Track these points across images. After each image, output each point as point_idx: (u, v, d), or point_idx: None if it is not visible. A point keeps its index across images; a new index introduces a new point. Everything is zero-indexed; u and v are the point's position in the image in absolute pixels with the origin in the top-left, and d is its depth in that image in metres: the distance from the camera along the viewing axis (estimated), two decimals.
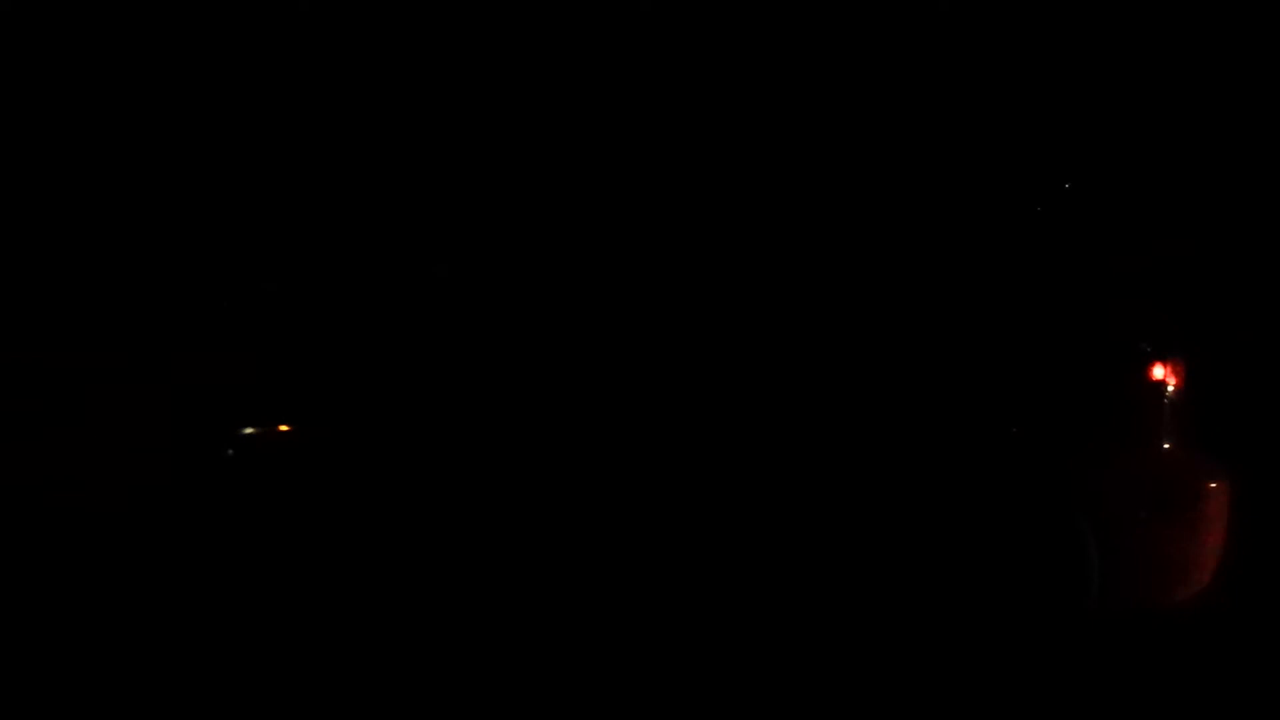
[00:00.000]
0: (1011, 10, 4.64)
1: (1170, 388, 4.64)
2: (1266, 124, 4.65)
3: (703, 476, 4.66)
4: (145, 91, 4.73)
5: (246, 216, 4.78)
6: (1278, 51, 4.61)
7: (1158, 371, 4.64)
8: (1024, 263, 4.73)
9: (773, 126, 4.78)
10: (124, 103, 4.75)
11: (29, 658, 4.50)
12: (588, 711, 4.59)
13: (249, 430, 4.68)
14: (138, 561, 4.59)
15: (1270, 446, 4.66)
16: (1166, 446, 4.66)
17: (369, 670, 4.62)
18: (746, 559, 4.65)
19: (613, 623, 4.64)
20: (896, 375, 4.66)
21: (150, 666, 4.55)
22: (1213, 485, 4.66)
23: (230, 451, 4.67)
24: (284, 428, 4.71)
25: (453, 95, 4.78)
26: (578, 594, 4.63)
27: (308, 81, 4.78)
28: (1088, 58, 4.64)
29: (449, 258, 4.69)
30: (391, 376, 4.69)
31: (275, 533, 4.68)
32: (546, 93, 4.74)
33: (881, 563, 4.67)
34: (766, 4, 4.78)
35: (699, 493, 4.66)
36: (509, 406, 4.69)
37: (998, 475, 4.67)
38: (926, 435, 4.67)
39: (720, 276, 4.75)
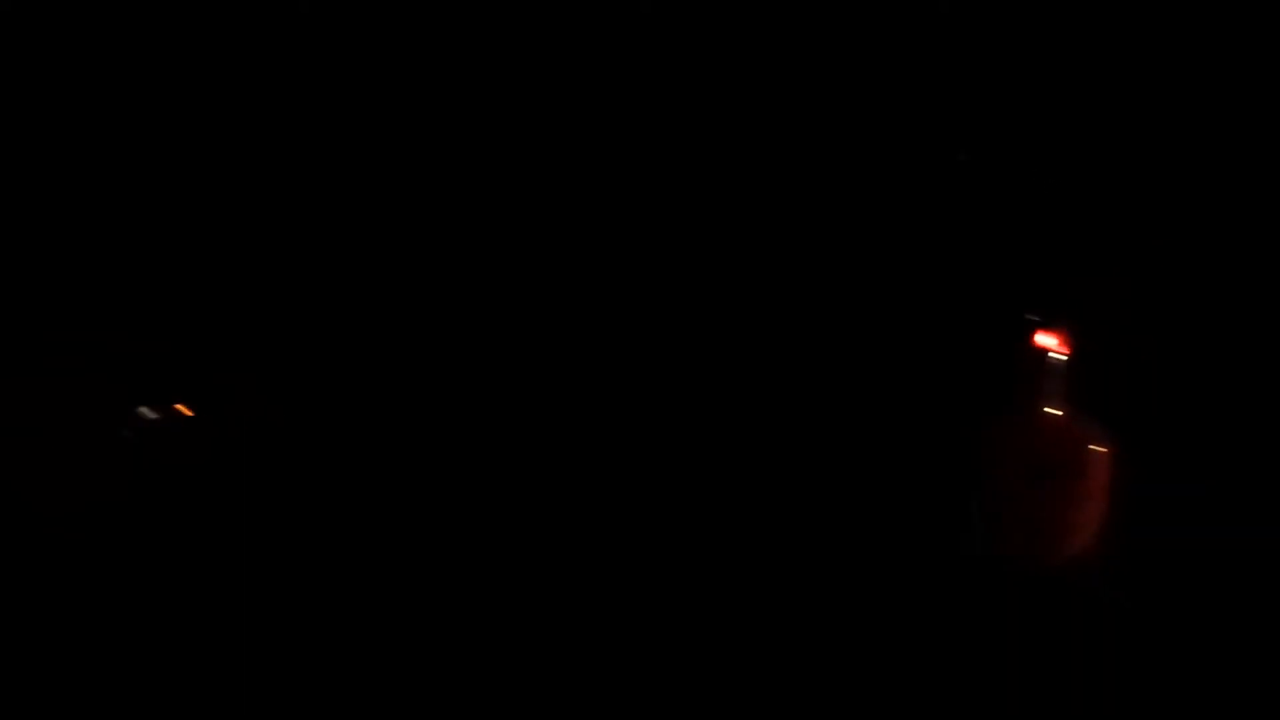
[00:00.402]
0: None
1: (1055, 355, 4.75)
2: (1150, 98, 4.77)
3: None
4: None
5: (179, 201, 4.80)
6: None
7: (1042, 339, 4.74)
8: (909, 232, 4.82)
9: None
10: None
11: None
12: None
13: (146, 411, 4.69)
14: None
15: (1149, 414, 4.78)
16: (1050, 412, 4.77)
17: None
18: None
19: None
20: (783, 347, 4.76)
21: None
22: (1095, 450, 4.77)
23: (127, 434, 4.67)
24: (183, 409, 4.72)
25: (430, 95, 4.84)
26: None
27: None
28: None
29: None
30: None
31: (174, 516, 4.69)
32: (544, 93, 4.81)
33: (771, 532, 4.77)
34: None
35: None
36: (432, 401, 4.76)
37: (884, 442, 4.77)
38: (814, 405, 4.77)
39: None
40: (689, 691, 4.66)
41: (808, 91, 4.80)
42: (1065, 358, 4.74)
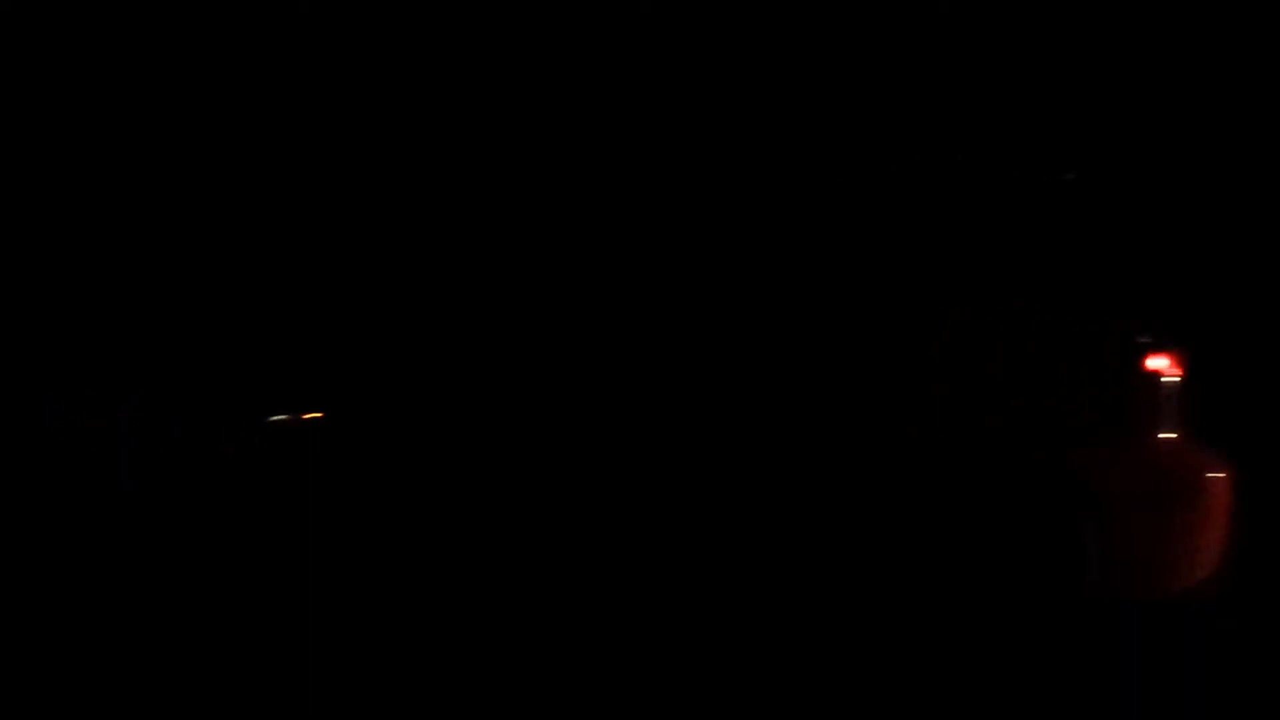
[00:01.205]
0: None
1: (1169, 378, 4.67)
2: (1257, 113, 4.71)
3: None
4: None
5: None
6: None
7: (1156, 362, 4.67)
8: (1017, 258, 4.82)
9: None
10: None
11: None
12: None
13: (278, 417, 4.88)
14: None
15: (1271, 436, 4.64)
16: (1165, 437, 4.68)
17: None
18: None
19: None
20: (902, 374, 4.79)
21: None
22: (1212, 476, 4.65)
23: (259, 439, 4.86)
24: (312, 415, 4.90)
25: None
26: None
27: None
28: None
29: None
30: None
31: (304, 519, 4.84)
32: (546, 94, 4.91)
33: (887, 558, 4.74)
34: None
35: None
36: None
37: (998, 469, 4.73)
38: (927, 430, 4.77)
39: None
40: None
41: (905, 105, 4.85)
42: (1178, 380, 4.66)
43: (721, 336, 4.89)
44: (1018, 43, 4.75)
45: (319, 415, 4.93)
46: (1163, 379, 4.68)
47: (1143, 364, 4.68)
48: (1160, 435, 4.68)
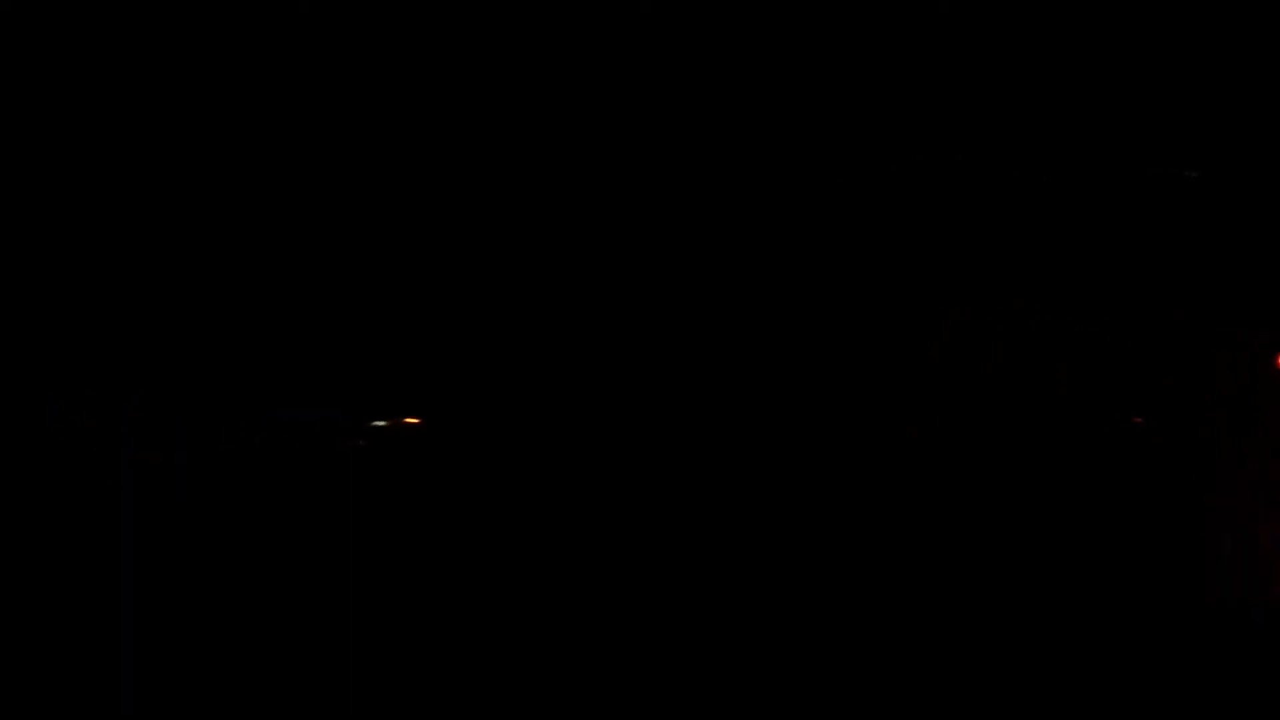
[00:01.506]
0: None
1: None
2: None
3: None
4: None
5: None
6: None
7: None
8: (1135, 258, 4.82)
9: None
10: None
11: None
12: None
13: (379, 423, 4.66)
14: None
15: None
16: None
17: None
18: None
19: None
20: (1022, 373, 4.73)
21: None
22: None
23: (361, 443, 4.64)
24: (412, 420, 4.69)
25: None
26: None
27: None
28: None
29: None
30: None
31: (405, 525, 4.63)
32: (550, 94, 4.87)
33: (1010, 563, 4.68)
34: None
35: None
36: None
37: (1119, 472, 4.71)
38: (1049, 435, 4.72)
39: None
40: None
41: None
42: None
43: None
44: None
45: (417, 421, 4.71)
46: None
47: (1276, 361, 4.69)
48: None
